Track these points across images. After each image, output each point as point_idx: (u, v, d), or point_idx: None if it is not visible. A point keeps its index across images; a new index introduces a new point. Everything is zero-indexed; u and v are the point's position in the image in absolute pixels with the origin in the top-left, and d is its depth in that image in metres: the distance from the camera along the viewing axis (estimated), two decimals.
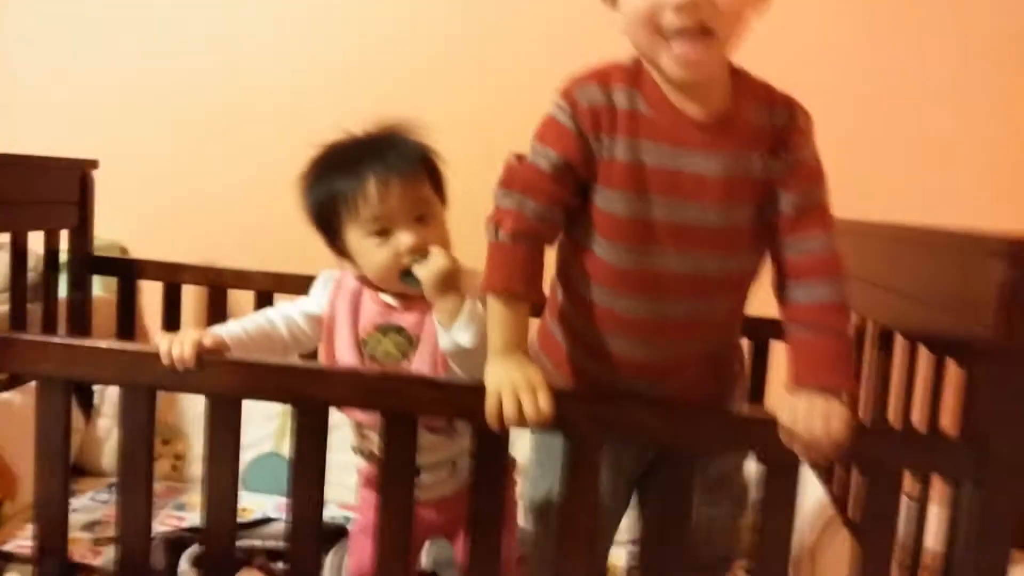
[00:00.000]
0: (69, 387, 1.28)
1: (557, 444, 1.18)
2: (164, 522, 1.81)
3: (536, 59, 2.22)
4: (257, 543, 1.66)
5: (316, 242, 1.37)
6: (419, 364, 1.30)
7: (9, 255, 1.91)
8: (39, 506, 1.31)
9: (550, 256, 1.17)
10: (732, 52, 1.08)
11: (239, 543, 1.58)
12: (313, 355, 1.53)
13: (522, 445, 1.31)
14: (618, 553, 1.54)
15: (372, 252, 1.28)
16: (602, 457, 1.15)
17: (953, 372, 1.26)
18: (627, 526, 1.35)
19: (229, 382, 1.21)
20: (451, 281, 1.21)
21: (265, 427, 2.01)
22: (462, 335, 1.19)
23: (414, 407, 1.18)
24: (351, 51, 2.36)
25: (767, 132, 1.10)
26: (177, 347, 1.18)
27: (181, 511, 1.90)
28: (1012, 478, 1.07)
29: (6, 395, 1.81)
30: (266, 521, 1.79)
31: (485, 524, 1.19)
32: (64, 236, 2.05)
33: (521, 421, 1.05)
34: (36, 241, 1.98)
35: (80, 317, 2.10)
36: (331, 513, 1.54)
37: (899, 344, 1.51)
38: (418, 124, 1.35)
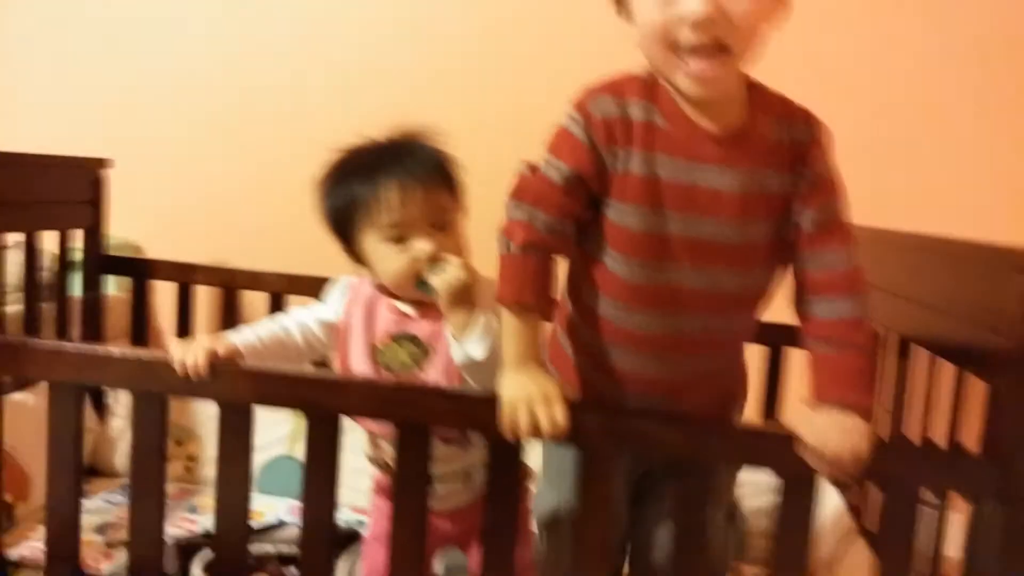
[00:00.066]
0: (81, 393, 1.28)
1: (566, 461, 1.18)
2: (177, 524, 1.81)
3: (554, 65, 2.20)
4: (269, 548, 1.65)
5: (330, 244, 1.36)
6: (433, 374, 1.28)
7: (23, 255, 1.91)
8: (50, 512, 1.31)
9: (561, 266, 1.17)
10: (749, 67, 1.06)
11: (251, 548, 1.58)
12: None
13: (537, 454, 1.30)
14: None
15: (388, 258, 1.27)
16: (616, 469, 1.14)
17: (974, 386, 1.25)
18: None
19: (241, 390, 1.20)
20: (465, 294, 1.20)
21: (277, 430, 2.00)
22: (474, 348, 1.18)
23: (428, 418, 1.17)
24: (368, 53, 2.34)
25: (784, 147, 1.08)
26: (190, 355, 1.17)
27: (194, 513, 1.90)
28: None
29: (19, 396, 1.81)
30: (278, 525, 1.78)
31: (499, 535, 1.18)
32: (78, 236, 2.05)
33: (536, 433, 1.04)
34: (50, 241, 1.98)
35: (93, 317, 2.10)
36: (343, 517, 1.53)
37: (919, 356, 1.49)
38: (437, 130, 1.34)
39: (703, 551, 1.14)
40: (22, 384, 1.84)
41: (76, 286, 2.08)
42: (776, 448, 1.07)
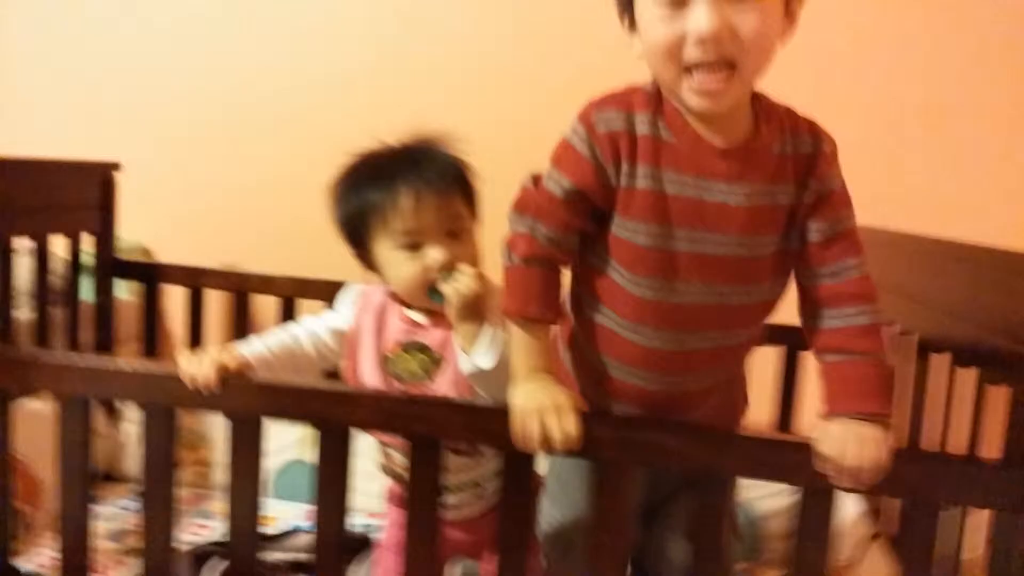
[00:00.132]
0: (91, 405, 1.27)
1: (571, 475, 1.17)
2: (190, 530, 1.81)
3: (575, 72, 2.17)
4: (281, 556, 1.65)
5: (341, 247, 1.34)
6: (443, 384, 1.27)
7: (33, 261, 1.91)
8: (63, 524, 1.30)
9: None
10: (756, 83, 1.04)
11: (265, 557, 1.58)
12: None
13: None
14: None
15: (400, 265, 1.25)
16: (629, 483, 1.13)
17: (994, 392, 1.23)
18: None
19: (251, 404, 1.19)
20: (475, 305, 1.18)
21: (289, 434, 1.99)
22: (481, 358, 1.16)
23: (439, 432, 1.15)
24: (381, 55, 2.33)
25: (790, 159, 1.06)
26: (199, 369, 1.16)
27: (207, 519, 1.90)
28: None
29: (31, 404, 1.80)
30: (292, 533, 1.77)
31: (514, 547, 1.17)
32: (87, 240, 2.05)
33: (547, 444, 1.03)
34: (60, 245, 1.98)
35: (104, 322, 2.10)
36: (355, 521, 1.52)
37: (939, 363, 1.46)
38: (454, 136, 1.31)
39: (721, 568, 1.12)
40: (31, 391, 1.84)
41: (87, 291, 2.07)
42: (793, 457, 1.05)
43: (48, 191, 1.91)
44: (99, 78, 2.47)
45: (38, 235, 1.91)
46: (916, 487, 1.07)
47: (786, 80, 1.13)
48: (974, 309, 1.25)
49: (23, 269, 1.88)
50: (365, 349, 1.31)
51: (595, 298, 1.12)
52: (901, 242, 1.52)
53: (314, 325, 1.35)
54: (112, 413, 2.11)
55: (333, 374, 1.45)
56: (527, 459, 1.12)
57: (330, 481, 1.20)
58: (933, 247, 1.45)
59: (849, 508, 1.71)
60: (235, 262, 2.13)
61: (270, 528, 1.80)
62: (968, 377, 1.31)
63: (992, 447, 1.26)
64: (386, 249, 1.26)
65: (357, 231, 1.29)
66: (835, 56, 2.07)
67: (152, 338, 2.14)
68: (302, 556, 1.64)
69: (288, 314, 2.02)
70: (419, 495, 1.18)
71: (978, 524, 1.13)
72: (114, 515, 1.87)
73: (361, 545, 1.68)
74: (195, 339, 2.11)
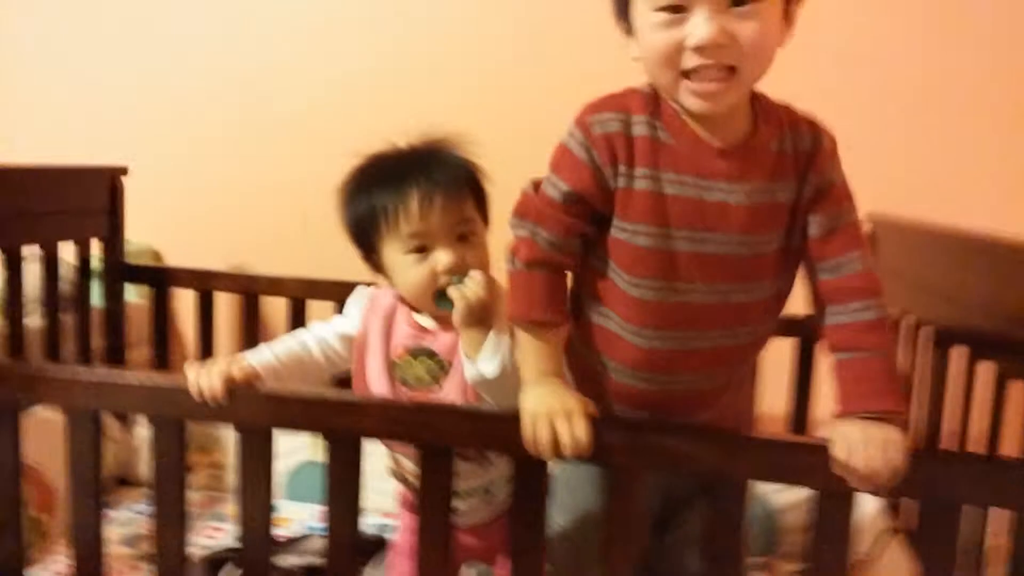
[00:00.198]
0: (99, 417, 1.26)
1: (579, 481, 1.16)
2: (204, 533, 1.81)
3: (586, 75, 2.09)
4: (296, 560, 1.64)
5: (350, 248, 1.32)
6: (451, 390, 1.25)
7: (42, 268, 1.91)
8: (74, 534, 1.30)
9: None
10: (756, 87, 1.03)
11: (278, 561, 1.57)
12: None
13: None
14: None
15: (408, 269, 1.23)
16: (642, 489, 1.11)
17: (1014, 387, 1.21)
18: None
19: (260, 414, 1.18)
20: (481, 312, 1.16)
21: (300, 436, 1.98)
22: (486, 366, 1.14)
23: (448, 440, 1.14)
24: (390, 57, 2.30)
25: (789, 156, 1.05)
26: (206, 381, 1.15)
27: (221, 521, 1.89)
28: None
29: (44, 412, 1.81)
30: (305, 537, 1.77)
31: (527, 553, 1.15)
32: (95, 245, 2.05)
33: (558, 450, 1.01)
34: (68, 251, 1.98)
35: (115, 327, 2.10)
36: (369, 521, 1.51)
37: (958, 356, 1.44)
38: (465, 138, 1.29)
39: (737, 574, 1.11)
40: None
41: (96, 296, 2.07)
42: (808, 462, 1.03)
43: (56, 198, 1.91)
44: (106, 82, 2.46)
45: (47, 242, 1.91)
46: (933, 488, 1.04)
47: (793, 75, 1.11)
48: (992, 302, 1.23)
49: (32, 276, 1.88)
50: (373, 354, 1.30)
51: (596, 300, 1.11)
52: (920, 233, 1.49)
53: (323, 331, 1.34)
54: (125, 418, 2.11)
55: (345, 381, 1.44)
56: (538, 464, 1.10)
57: (340, 489, 1.19)
58: (952, 238, 1.42)
59: (868, 503, 1.69)
60: (244, 263, 2.13)
61: (284, 530, 1.80)
62: (988, 370, 1.29)
63: (1012, 442, 1.23)
64: (394, 252, 1.24)
65: (365, 234, 1.27)
66: (855, 41, 2.02)
67: (163, 341, 2.14)
68: (316, 560, 1.64)
69: (298, 315, 2.02)
70: (430, 502, 1.17)
71: (1002, 511, 1.10)
72: (128, 520, 1.87)
73: (376, 547, 1.68)
74: (206, 341, 2.12)
